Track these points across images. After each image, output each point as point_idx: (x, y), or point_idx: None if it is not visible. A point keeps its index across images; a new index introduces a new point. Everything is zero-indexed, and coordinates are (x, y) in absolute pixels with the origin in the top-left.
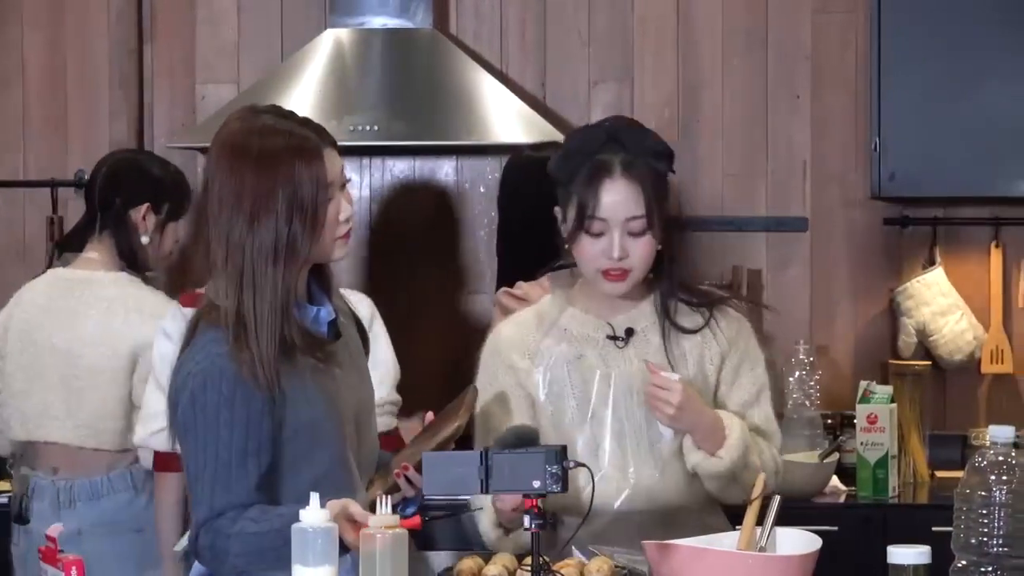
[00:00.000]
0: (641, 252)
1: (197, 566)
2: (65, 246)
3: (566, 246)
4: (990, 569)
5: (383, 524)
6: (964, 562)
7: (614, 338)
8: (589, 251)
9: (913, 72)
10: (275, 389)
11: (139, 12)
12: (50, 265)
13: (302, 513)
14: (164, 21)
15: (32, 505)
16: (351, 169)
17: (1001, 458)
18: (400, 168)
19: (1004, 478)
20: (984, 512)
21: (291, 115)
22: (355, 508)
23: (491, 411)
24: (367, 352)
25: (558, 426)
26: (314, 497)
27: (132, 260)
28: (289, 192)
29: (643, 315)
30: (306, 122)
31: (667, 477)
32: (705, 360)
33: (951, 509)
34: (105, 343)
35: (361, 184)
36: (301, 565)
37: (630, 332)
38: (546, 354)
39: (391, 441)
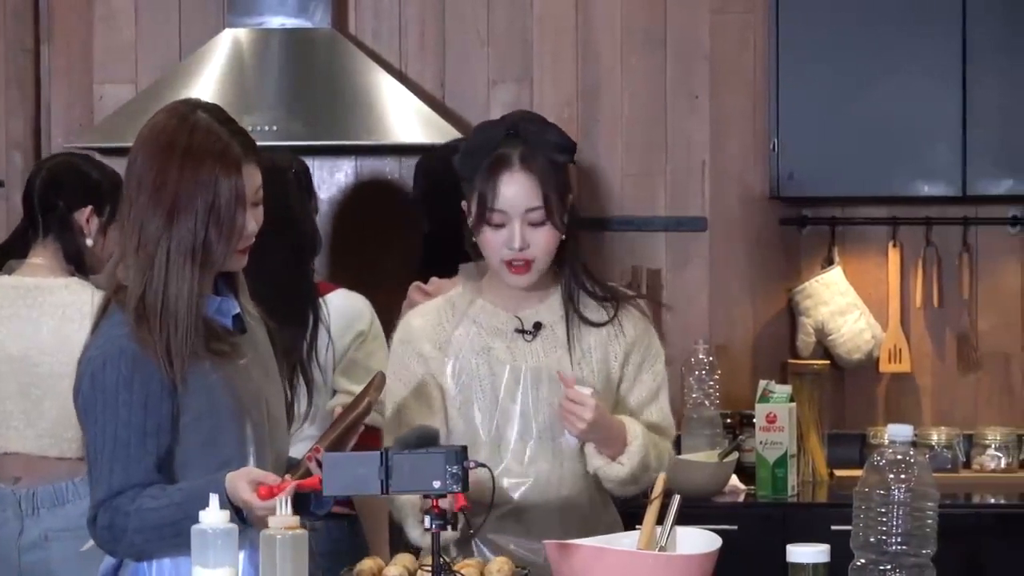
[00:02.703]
0: (542, 242)
1: (107, 560)
2: (7, 253)
3: (472, 239)
4: (889, 567)
5: (283, 525)
6: (863, 560)
7: (522, 331)
8: (492, 242)
9: (811, 72)
10: (178, 378)
11: (36, 11)
12: None
13: (202, 515)
14: (61, 20)
15: None
16: None
17: (899, 457)
18: None
19: (902, 476)
20: (883, 510)
21: (227, 121)
22: (258, 472)
23: (405, 403)
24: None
25: (466, 416)
26: (213, 499)
27: (80, 263)
28: (208, 198)
29: (550, 309)
30: (238, 132)
31: (565, 472)
32: (610, 356)
33: (850, 508)
34: (62, 350)
35: None
36: (201, 566)
37: (538, 326)
38: (456, 344)
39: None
